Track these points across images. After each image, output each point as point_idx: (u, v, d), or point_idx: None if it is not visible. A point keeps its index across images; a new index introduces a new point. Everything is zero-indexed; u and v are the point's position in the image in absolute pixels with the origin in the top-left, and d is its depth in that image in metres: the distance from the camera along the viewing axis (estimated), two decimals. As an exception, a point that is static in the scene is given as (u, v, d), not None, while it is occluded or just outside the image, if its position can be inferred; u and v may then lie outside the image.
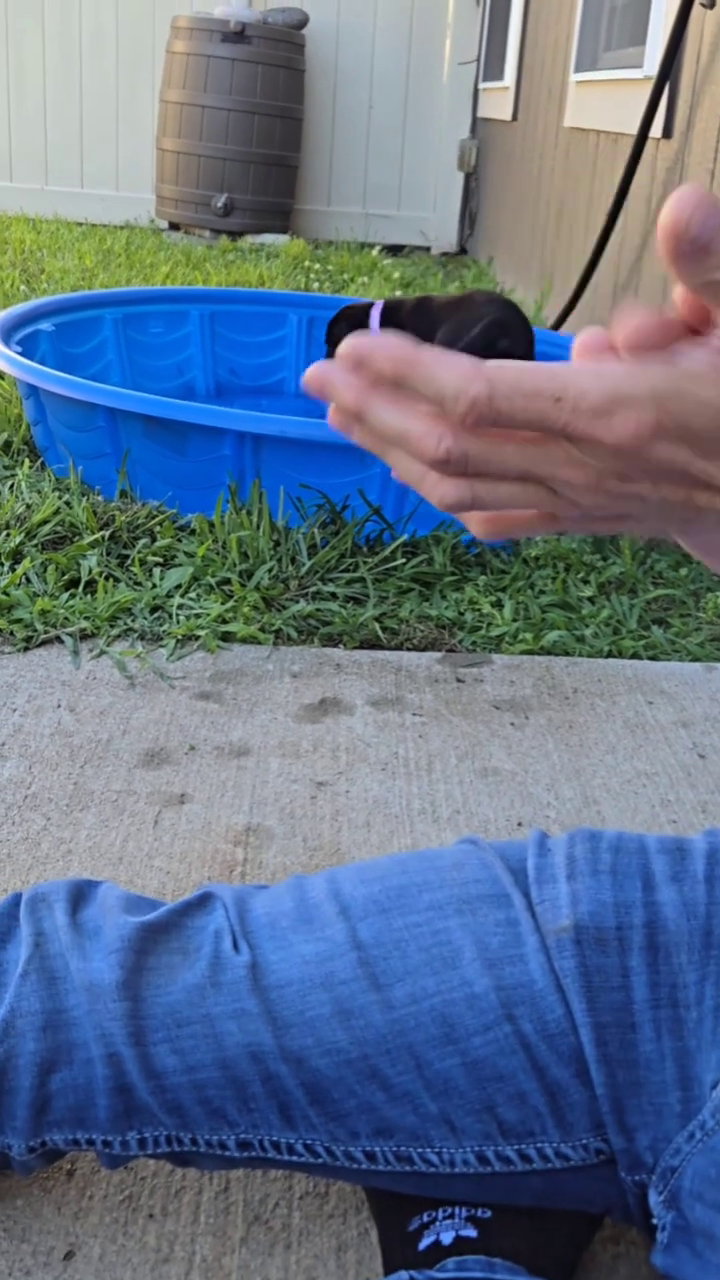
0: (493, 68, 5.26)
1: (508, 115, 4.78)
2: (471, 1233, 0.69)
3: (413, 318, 2.52)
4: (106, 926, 0.74)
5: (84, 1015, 0.70)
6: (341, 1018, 0.68)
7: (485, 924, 0.70)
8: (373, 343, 0.42)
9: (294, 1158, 0.70)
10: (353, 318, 2.51)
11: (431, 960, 0.69)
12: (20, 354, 2.09)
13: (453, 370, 0.40)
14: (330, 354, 2.58)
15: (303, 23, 5.46)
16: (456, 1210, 0.70)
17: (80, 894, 0.77)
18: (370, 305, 2.52)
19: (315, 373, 0.44)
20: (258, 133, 5.32)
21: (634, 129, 2.80)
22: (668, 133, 2.67)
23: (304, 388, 0.45)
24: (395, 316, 2.55)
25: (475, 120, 5.79)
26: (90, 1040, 0.70)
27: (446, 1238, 0.69)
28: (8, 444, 2.23)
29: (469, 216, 5.93)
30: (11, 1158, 0.72)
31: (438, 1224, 0.70)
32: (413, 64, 5.83)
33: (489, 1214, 0.70)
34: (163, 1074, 0.69)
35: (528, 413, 0.40)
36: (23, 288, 3.75)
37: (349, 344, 0.43)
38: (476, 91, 5.75)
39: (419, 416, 0.42)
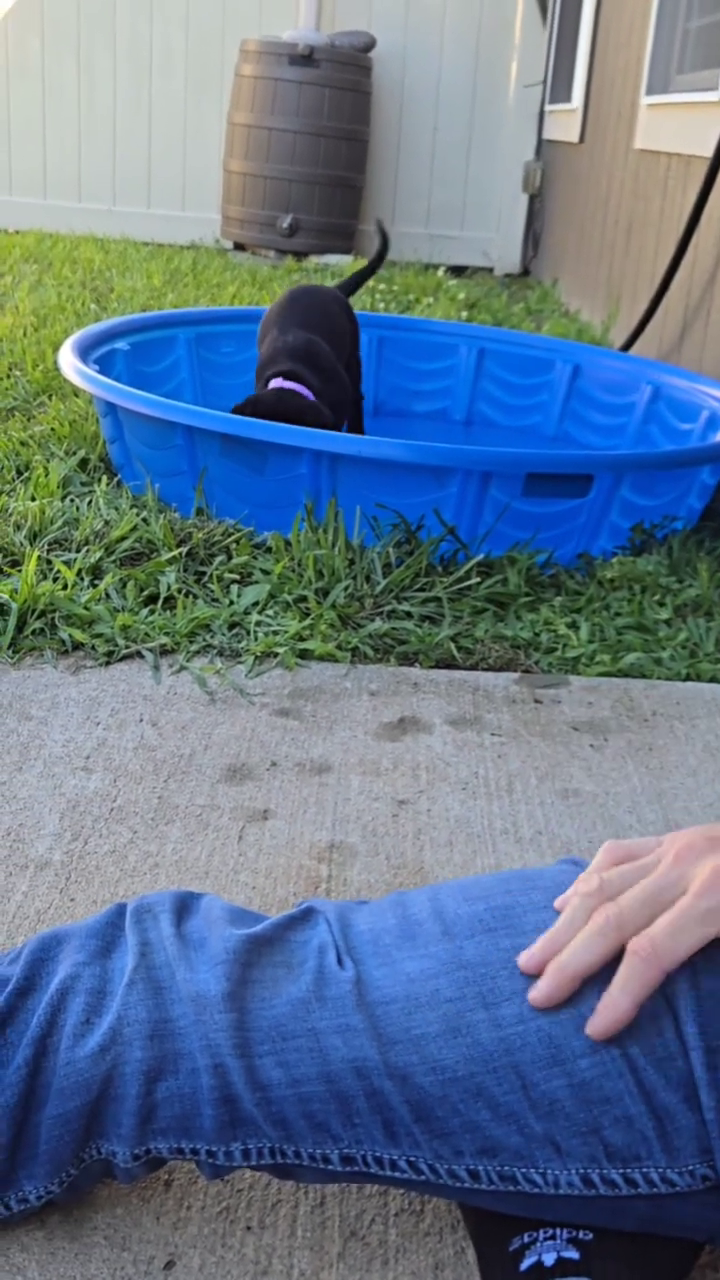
0: (560, 90, 5.27)
1: (575, 137, 4.79)
2: (574, 1255, 0.69)
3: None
4: (211, 938, 0.75)
5: (190, 1025, 0.71)
6: (447, 1035, 0.68)
7: (591, 945, 0.70)
8: None
9: (397, 1174, 0.70)
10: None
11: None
12: (98, 372, 2.13)
13: None
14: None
15: (370, 46, 5.50)
16: (558, 1231, 0.70)
17: (184, 905, 0.79)
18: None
19: None
20: (323, 154, 5.37)
21: (707, 151, 2.80)
22: (742, 155, 2.66)
23: None
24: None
25: (540, 142, 5.80)
26: (196, 1050, 0.71)
27: (549, 1259, 0.69)
28: (84, 461, 2.26)
29: (533, 238, 5.93)
30: (116, 1165, 0.73)
31: (539, 1244, 0.70)
32: (478, 86, 5.86)
33: (590, 1236, 0.70)
34: (268, 1086, 0.70)
35: None
36: (93, 307, 3.81)
37: None
38: (542, 113, 5.76)
39: None
